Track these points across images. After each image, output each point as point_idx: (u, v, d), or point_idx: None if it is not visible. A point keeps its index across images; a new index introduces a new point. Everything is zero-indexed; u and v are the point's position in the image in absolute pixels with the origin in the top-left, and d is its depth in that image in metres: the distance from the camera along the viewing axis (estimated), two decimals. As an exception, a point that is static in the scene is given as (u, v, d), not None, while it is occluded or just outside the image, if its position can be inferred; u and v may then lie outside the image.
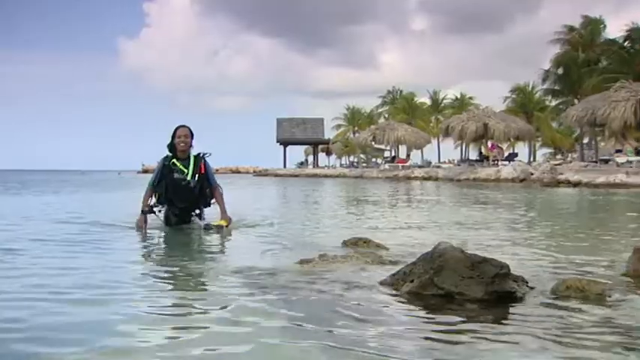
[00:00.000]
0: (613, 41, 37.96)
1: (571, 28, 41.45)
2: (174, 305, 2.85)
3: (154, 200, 5.81)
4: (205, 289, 3.23)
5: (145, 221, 5.67)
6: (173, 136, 5.77)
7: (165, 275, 3.64)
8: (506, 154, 40.83)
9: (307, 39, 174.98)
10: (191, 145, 5.82)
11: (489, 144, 40.46)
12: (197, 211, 5.92)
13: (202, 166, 5.77)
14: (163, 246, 5.14)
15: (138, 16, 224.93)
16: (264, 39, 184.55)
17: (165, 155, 5.78)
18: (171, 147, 5.78)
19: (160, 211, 5.79)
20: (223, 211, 5.84)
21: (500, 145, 41.10)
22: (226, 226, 5.65)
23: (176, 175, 5.67)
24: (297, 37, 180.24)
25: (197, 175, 5.72)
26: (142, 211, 5.68)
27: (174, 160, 5.72)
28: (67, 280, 3.31)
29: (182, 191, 5.68)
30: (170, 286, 3.34)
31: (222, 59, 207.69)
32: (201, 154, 5.83)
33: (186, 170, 5.69)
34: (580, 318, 2.51)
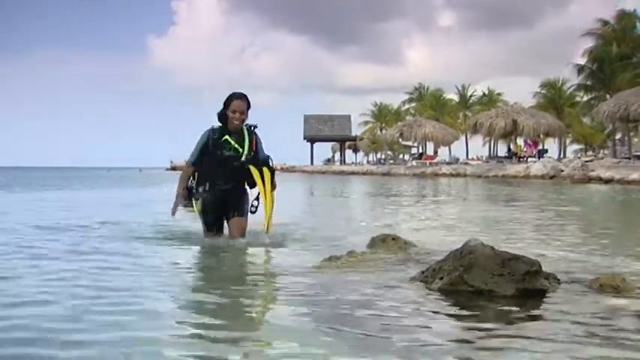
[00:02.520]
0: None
1: (604, 22, 40.58)
2: (197, 305, 2.90)
3: (190, 181, 4.92)
4: (231, 287, 3.23)
5: (185, 198, 4.88)
6: (226, 105, 4.78)
7: (189, 276, 3.69)
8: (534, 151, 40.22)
9: (334, 36, 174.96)
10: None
11: (522, 142, 39.85)
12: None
13: (254, 143, 4.86)
14: (186, 246, 4.97)
15: (166, 14, 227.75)
16: (291, 36, 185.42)
17: (211, 127, 4.84)
18: (222, 117, 4.81)
19: (197, 199, 4.88)
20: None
21: (530, 142, 40.47)
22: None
23: (227, 153, 4.78)
24: (323, 34, 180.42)
25: (252, 154, 4.83)
26: (178, 193, 4.88)
27: (227, 137, 4.78)
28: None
29: (231, 171, 4.80)
30: (195, 286, 3.38)
31: (249, 56, 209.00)
32: (252, 128, 4.90)
33: (241, 149, 4.79)
34: (613, 316, 2.47)
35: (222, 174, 4.80)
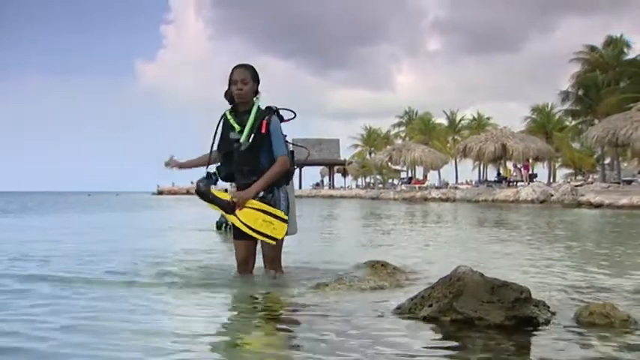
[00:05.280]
0: (633, 61, 37.81)
1: (592, 48, 41.32)
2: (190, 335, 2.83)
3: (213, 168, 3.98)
4: (215, 316, 3.17)
5: (178, 165, 4.16)
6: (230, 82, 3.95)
7: (178, 303, 3.62)
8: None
9: (321, 60, 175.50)
10: (257, 93, 3.94)
11: (511, 166, 39.99)
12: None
13: (264, 124, 3.80)
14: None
15: (155, 38, 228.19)
16: (278, 61, 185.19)
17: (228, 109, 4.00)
18: (227, 96, 3.97)
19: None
20: (261, 181, 3.78)
21: (519, 166, 40.65)
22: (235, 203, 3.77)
23: (232, 135, 3.86)
24: (311, 59, 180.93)
25: (253, 135, 3.79)
26: (181, 164, 4.17)
27: (226, 112, 3.96)
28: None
29: (237, 159, 3.85)
30: (185, 316, 3.31)
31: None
32: (274, 108, 3.93)
33: (239, 127, 3.84)
34: (604, 345, 2.43)
35: (229, 164, 3.89)
